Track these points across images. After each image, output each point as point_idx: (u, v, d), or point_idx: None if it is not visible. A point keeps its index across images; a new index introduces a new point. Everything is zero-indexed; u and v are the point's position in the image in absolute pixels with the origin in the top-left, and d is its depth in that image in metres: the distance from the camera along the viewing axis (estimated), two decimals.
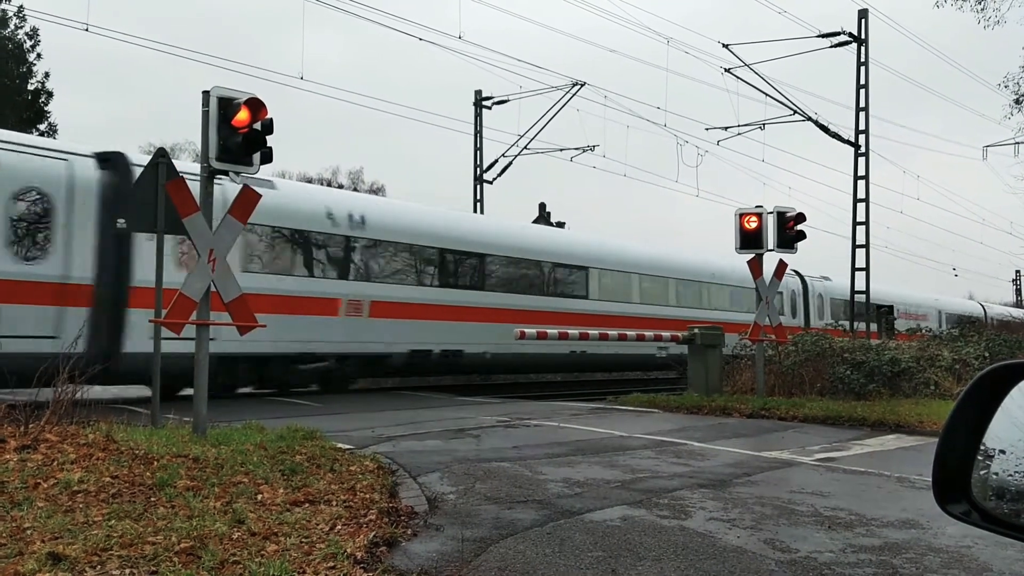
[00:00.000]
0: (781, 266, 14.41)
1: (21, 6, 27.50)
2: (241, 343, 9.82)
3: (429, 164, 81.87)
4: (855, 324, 23.80)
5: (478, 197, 27.92)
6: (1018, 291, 62.72)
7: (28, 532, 4.27)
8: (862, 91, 23.42)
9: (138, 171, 16.21)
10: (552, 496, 6.16)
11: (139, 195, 8.42)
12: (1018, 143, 30.09)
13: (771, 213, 13.99)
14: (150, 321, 8.24)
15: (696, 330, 15.60)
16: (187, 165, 12.72)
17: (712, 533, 5.18)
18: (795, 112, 24.06)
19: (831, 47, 23.43)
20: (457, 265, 18.26)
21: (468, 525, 5.24)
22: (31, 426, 6.36)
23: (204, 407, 7.67)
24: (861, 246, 23.57)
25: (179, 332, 7.85)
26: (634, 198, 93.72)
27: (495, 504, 5.87)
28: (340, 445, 7.83)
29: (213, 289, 7.72)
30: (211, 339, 7.98)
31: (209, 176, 7.78)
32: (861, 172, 23.61)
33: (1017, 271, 62.63)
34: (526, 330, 18.22)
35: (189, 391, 7.99)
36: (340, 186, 46.35)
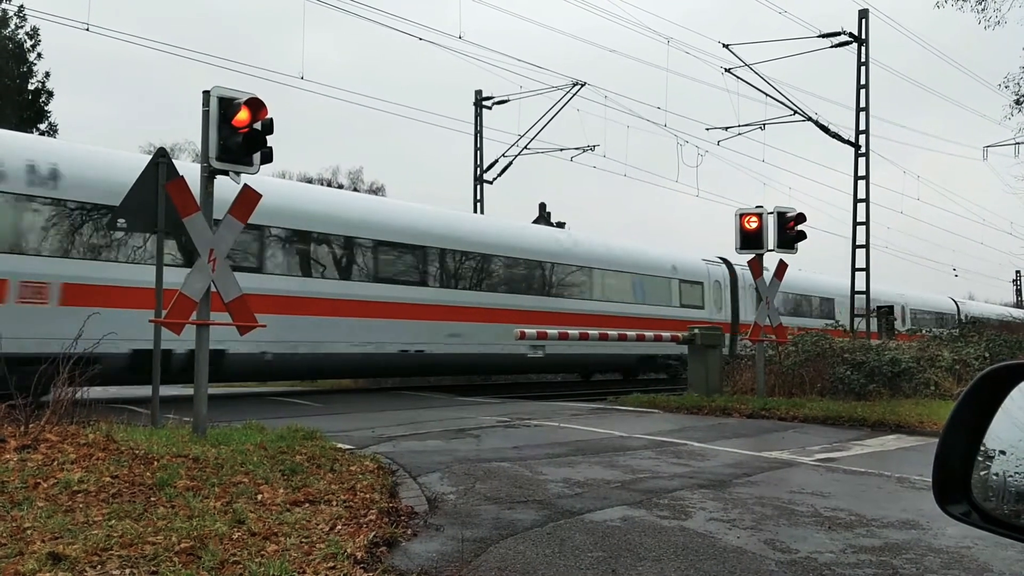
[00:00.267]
0: (781, 267, 14.41)
1: (22, 6, 27.53)
2: None
3: (429, 164, 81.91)
4: (855, 325, 23.71)
5: (478, 197, 27.94)
6: (1018, 291, 62.71)
7: (28, 532, 4.27)
8: (862, 91, 23.41)
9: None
10: (552, 496, 6.16)
11: (139, 195, 8.41)
12: (1018, 143, 30.11)
13: (771, 213, 14.00)
14: (150, 321, 8.22)
15: (696, 330, 15.61)
16: (187, 165, 12.62)
17: (712, 533, 5.18)
18: (795, 112, 24.06)
19: (831, 47, 23.42)
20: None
21: (468, 525, 5.24)
22: (31, 426, 6.37)
23: (204, 407, 7.67)
24: (861, 246, 23.56)
25: (179, 332, 7.85)
26: (634, 198, 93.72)
27: (495, 504, 5.87)
28: (340, 445, 7.83)
29: (213, 289, 7.72)
30: None
31: (209, 176, 7.78)
32: (861, 172, 23.60)
33: (1017, 271, 62.64)
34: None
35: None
36: (340, 186, 46.32)
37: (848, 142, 23.88)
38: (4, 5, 29.73)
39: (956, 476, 1.64)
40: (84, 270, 12.46)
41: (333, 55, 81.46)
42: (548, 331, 18.90)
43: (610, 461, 7.94)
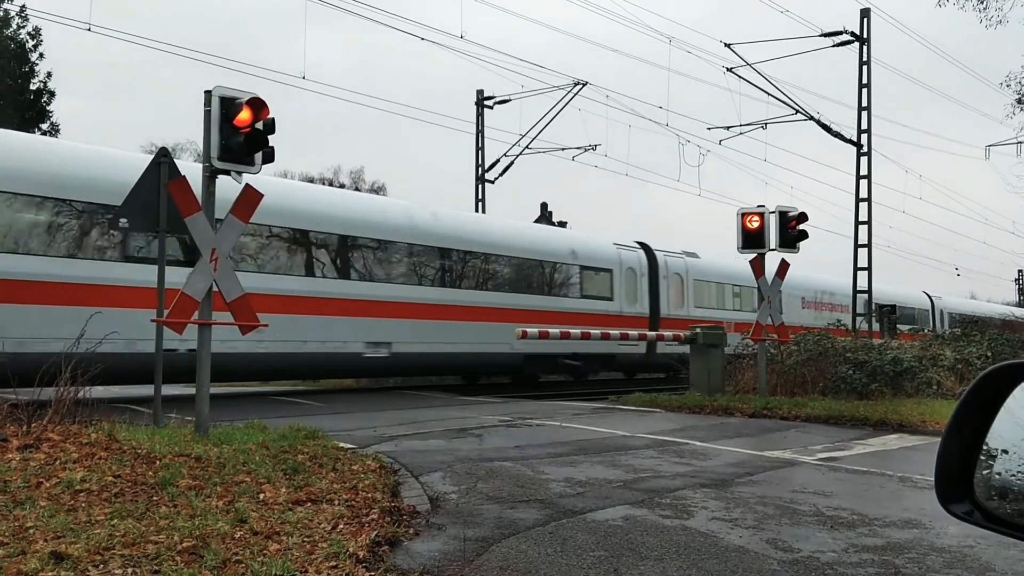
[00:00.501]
0: (783, 265, 14.40)
1: (23, 6, 27.55)
2: None
3: (431, 164, 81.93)
4: (859, 324, 23.67)
5: (480, 197, 27.95)
6: (1021, 291, 62.65)
7: (31, 531, 4.28)
8: (864, 90, 23.40)
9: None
10: (554, 496, 6.17)
11: (141, 195, 8.41)
12: (1020, 142, 30.08)
13: (773, 213, 14.00)
14: (152, 320, 8.23)
15: (698, 329, 15.60)
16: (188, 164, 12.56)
17: (714, 533, 5.18)
18: (797, 111, 24.05)
19: (833, 46, 23.40)
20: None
21: (470, 524, 5.24)
22: (33, 425, 6.37)
23: (206, 406, 7.67)
24: (863, 245, 23.55)
25: (181, 332, 7.86)
26: (635, 197, 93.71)
27: (497, 504, 5.87)
28: (342, 444, 7.83)
29: (215, 289, 7.73)
30: None
31: (211, 176, 7.79)
32: (863, 171, 23.59)
33: (1020, 270, 62.58)
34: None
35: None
36: (342, 185, 46.35)
37: (850, 141, 23.87)
38: (6, 5, 29.78)
39: (958, 475, 1.64)
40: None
41: (335, 55, 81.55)
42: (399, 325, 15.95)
43: (612, 460, 7.94)
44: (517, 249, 19.37)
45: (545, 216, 30.89)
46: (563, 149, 27.82)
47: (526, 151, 27.23)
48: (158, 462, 5.91)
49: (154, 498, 5.11)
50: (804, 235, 14.10)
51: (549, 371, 20.35)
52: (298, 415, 10.24)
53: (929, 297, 36.05)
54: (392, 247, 16.67)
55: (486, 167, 27.97)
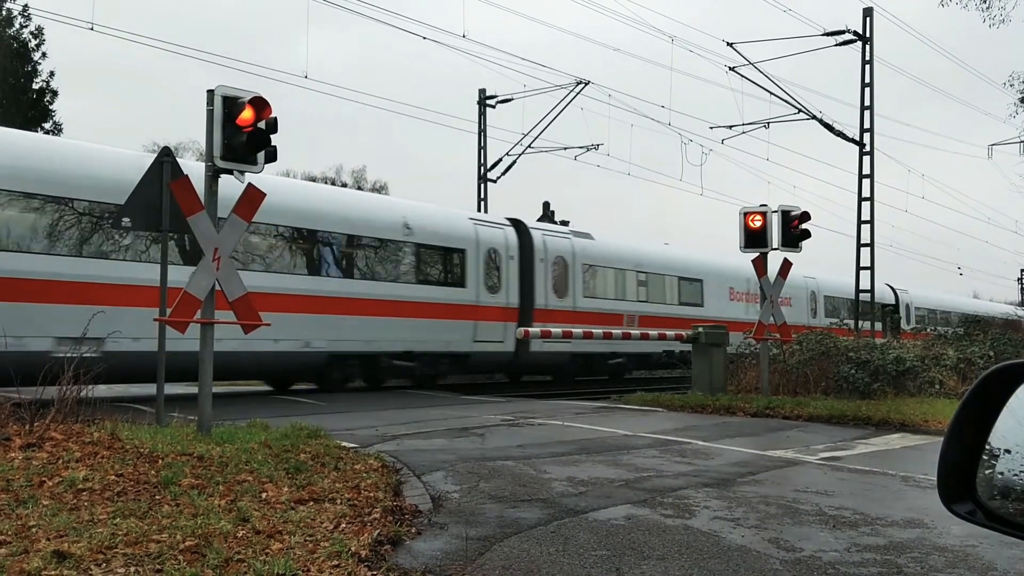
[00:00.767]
0: (786, 264, 14.38)
1: (26, 5, 27.52)
2: None
3: (433, 163, 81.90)
4: (858, 324, 23.64)
5: (482, 196, 27.94)
6: (1023, 290, 62.51)
7: (33, 530, 4.29)
8: (867, 89, 23.37)
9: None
10: (556, 495, 6.17)
11: (144, 194, 8.42)
12: (1023, 142, 29.98)
13: (775, 212, 13.99)
14: (154, 320, 8.23)
15: (700, 329, 15.59)
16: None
17: (716, 532, 5.18)
18: (800, 111, 24.02)
19: (836, 45, 23.36)
20: None
21: (472, 524, 5.24)
22: (36, 424, 6.39)
23: (209, 406, 7.68)
24: (866, 245, 23.52)
25: (184, 331, 7.86)
26: (638, 197, 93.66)
27: (499, 503, 5.87)
28: (344, 444, 7.83)
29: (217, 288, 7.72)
30: None
31: (213, 175, 7.80)
32: (866, 171, 23.56)
33: (1022, 270, 62.43)
34: None
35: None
36: (344, 184, 46.36)
37: (853, 140, 23.85)
38: (8, 4, 29.81)
39: (961, 475, 1.64)
40: None
41: (337, 54, 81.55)
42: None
43: (614, 460, 7.94)
44: (337, 222, 15.22)
45: (548, 215, 30.91)
46: (565, 148, 27.82)
47: (529, 150, 27.24)
48: (160, 461, 5.92)
49: (156, 497, 5.12)
50: (807, 234, 14.10)
51: (370, 374, 16.22)
52: (300, 414, 10.25)
53: (894, 290, 32.37)
54: (86, 209, 12.35)
55: (488, 166, 27.97)
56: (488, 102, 28.24)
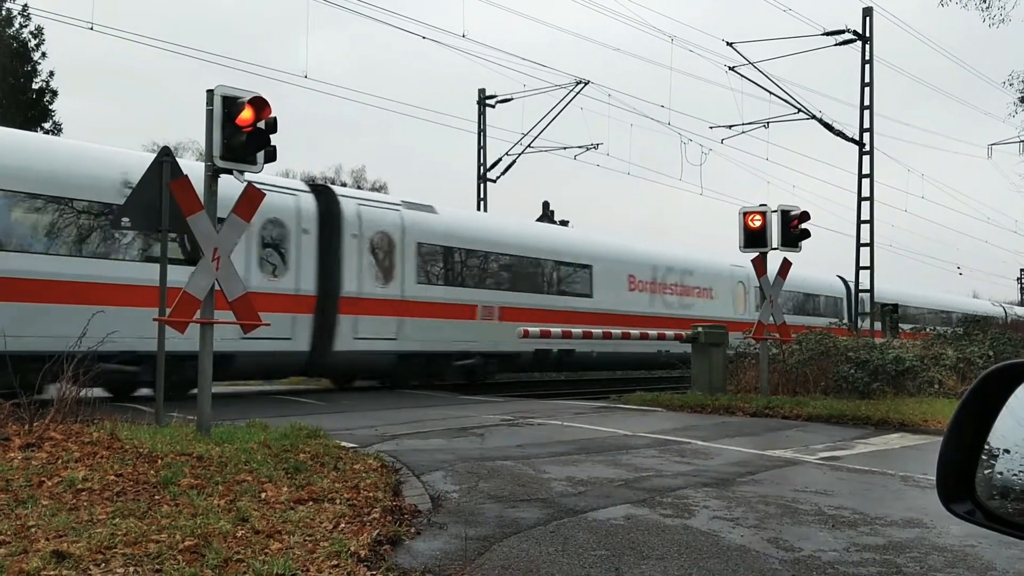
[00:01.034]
0: (785, 264, 14.39)
1: (26, 5, 27.48)
2: None
3: (433, 163, 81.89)
4: (859, 324, 23.63)
5: (482, 196, 27.95)
6: (1023, 290, 62.52)
7: (33, 530, 4.28)
8: (867, 89, 23.40)
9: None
10: (556, 495, 6.17)
11: (144, 194, 8.41)
12: (1023, 141, 29.98)
13: (775, 211, 14.00)
14: (154, 320, 8.22)
15: (700, 329, 15.59)
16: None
17: (716, 532, 5.18)
18: (799, 110, 24.04)
19: (836, 45, 23.40)
20: None
21: (472, 524, 5.25)
22: (35, 424, 6.38)
23: (208, 405, 7.68)
24: (866, 244, 23.55)
25: (183, 331, 7.85)
26: (637, 196, 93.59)
27: (499, 503, 5.87)
28: (343, 443, 7.83)
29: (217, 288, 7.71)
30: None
31: (213, 175, 7.79)
32: (866, 170, 23.58)
33: (1022, 269, 62.42)
34: None
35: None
36: (344, 184, 46.37)
37: (853, 140, 23.87)
38: (8, 4, 29.80)
39: (960, 475, 1.64)
40: None
41: (336, 54, 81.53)
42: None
43: (613, 460, 7.94)
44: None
45: (547, 215, 30.91)
46: (565, 148, 27.82)
47: (528, 150, 27.25)
48: (160, 461, 5.91)
49: (156, 497, 5.12)
50: (806, 234, 14.11)
51: (105, 385, 11.62)
52: (299, 414, 10.25)
53: (845, 283, 29.28)
54: None
55: (488, 166, 27.97)
56: (488, 102, 28.26)
